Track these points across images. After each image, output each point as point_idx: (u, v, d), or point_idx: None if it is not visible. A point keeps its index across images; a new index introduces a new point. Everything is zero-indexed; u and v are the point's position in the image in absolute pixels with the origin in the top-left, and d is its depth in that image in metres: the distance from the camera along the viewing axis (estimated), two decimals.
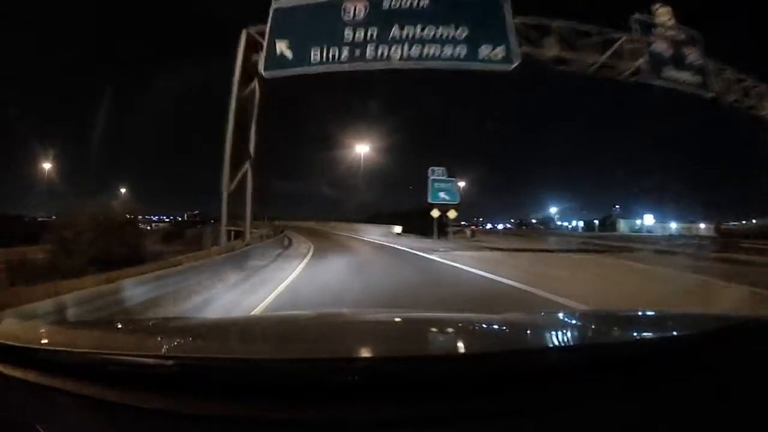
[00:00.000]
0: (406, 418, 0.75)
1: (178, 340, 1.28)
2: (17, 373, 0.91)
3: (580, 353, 0.98)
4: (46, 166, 28.20)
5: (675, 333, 1.22)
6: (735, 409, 0.81)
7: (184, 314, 5.00)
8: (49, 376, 0.89)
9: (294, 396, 0.78)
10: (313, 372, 0.84)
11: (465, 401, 0.78)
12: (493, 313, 1.78)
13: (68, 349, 0.99)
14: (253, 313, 5.31)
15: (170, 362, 0.91)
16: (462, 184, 32.57)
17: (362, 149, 26.87)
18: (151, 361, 0.91)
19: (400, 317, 1.89)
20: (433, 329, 1.52)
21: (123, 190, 39.32)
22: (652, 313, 1.90)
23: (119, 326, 1.68)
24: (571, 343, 1.17)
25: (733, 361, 0.94)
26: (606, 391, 0.83)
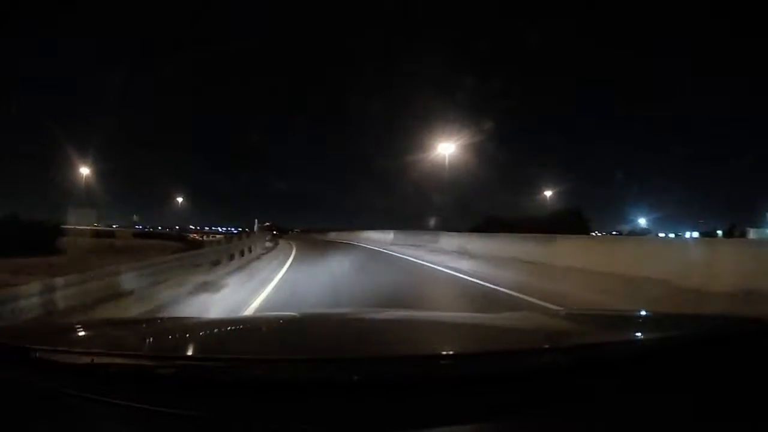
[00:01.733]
0: (405, 417, 0.74)
1: (178, 340, 1.28)
2: (17, 374, 0.92)
3: (578, 353, 0.96)
4: (84, 171, 27.59)
5: (673, 333, 1.21)
6: (734, 409, 0.80)
7: None
8: (49, 376, 0.89)
9: (294, 396, 0.78)
10: (314, 372, 0.84)
11: (464, 400, 0.78)
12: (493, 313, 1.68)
13: (68, 349, 0.99)
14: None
15: (170, 362, 0.91)
16: (549, 193, 29.17)
17: (447, 149, 22.41)
18: (151, 361, 0.91)
19: (400, 317, 1.92)
20: (433, 329, 1.53)
21: (180, 200, 41.92)
22: (651, 313, 1.88)
23: (119, 326, 1.70)
24: (571, 343, 1.14)
25: (732, 362, 0.93)
26: (602, 391, 0.83)
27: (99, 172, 29.35)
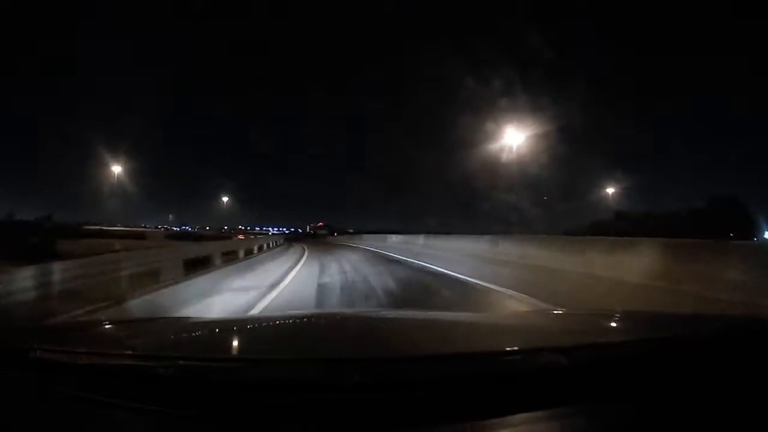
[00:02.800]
0: (407, 417, 0.75)
1: (178, 340, 1.29)
2: (17, 374, 0.92)
3: (579, 353, 0.95)
4: (116, 170, 25.76)
5: (674, 333, 1.20)
6: (734, 410, 0.80)
7: None
8: (49, 376, 0.90)
9: (296, 396, 0.78)
10: (315, 372, 0.84)
11: (466, 400, 0.78)
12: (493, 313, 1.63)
13: (68, 349, 0.99)
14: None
15: (170, 362, 0.91)
16: (611, 191, 26.38)
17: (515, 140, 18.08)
18: (151, 361, 0.92)
19: (401, 317, 1.93)
20: (434, 329, 1.54)
21: (225, 199, 42.65)
22: (651, 313, 1.89)
23: (119, 326, 1.69)
24: (571, 343, 1.12)
25: (733, 362, 0.93)
26: (603, 391, 0.83)
27: (140, 171, 28.45)
